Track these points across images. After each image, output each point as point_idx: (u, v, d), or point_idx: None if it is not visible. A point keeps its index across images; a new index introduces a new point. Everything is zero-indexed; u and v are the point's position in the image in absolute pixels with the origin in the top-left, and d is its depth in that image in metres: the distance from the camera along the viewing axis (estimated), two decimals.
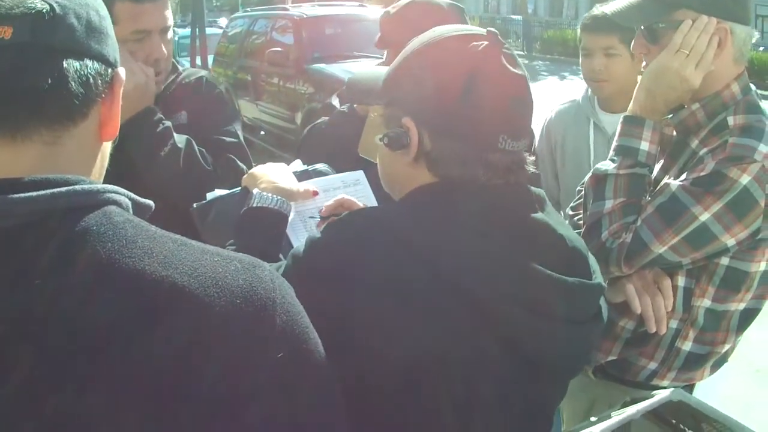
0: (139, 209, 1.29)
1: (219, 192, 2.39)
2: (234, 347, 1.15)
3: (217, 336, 1.14)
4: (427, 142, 1.64)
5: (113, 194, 1.23)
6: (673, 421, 1.75)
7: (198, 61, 15.38)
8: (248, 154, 3.05)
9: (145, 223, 1.23)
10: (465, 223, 1.56)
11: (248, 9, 22.49)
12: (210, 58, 15.98)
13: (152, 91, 2.75)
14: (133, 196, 1.29)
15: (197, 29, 15.38)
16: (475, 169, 1.61)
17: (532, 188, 1.71)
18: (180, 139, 2.78)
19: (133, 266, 1.13)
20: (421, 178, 1.67)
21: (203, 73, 3.25)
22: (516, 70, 1.65)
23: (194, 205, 2.37)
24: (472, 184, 1.63)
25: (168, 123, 2.78)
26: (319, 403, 1.28)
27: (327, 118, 3.27)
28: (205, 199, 2.39)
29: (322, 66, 11.89)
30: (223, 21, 26.18)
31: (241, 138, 3.08)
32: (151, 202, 1.33)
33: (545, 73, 28.34)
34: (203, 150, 2.86)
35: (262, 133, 13.90)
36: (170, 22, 2.87)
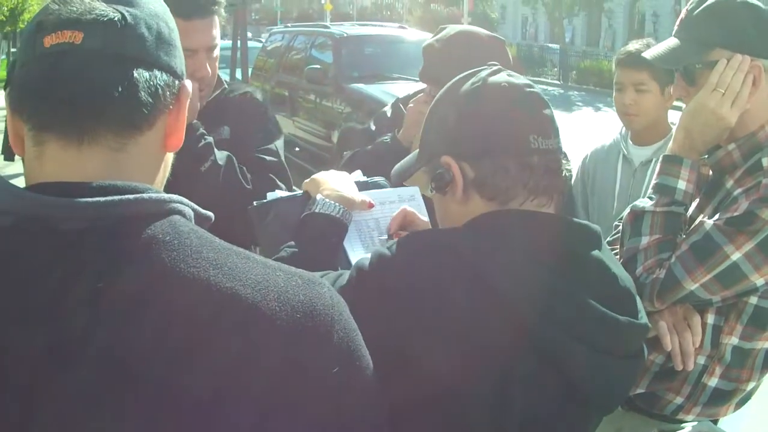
0: (200, 220, 1.30)
1: (280, 193, 2.40)
2: (292, 361, 1.16)
3: (276, 349, 1.16)
4: (469, 170, 1.71)
5: (179, 204, 1.25)
6: None
7: (238, 74, 15.35)
8: (288, 174, 3.03)
9: (210, 235, 1.24)
10: (525, 251, 1.61)
11: (288, 24, 22.51)
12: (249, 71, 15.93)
13: (195, 107, 2.72)
14: (195, 207, 1.30)
15: (239, 42, 15.37)
16: (519, 176, 1.67)
17: (591, 225, 1.76)
18: (221, 156, 2.79)
19: (198, 276, 1.14)
20: (478, 209, 1.72)
21: (249, 88, 3.27)
22: (523, 83, 1.75)
23: (254, 203, 2.37)
24: (534, 216, 1.69)
25: (210, 139, 2.78)
26: (366, 419, 1.29)
27: (369, 147, 3.30)
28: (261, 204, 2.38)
29: (360, 86, 11.85)
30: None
31: (282, 157, 3.07)
32: (211, 214, 1.34)
33: (580, 104, 28.16)
34: (243, 168, 2.86)
35: (297, 149, 13.85)
36: (217, 41, 2.88)
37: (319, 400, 1.19)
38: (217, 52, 2.90)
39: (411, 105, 3.06)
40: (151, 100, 1.25)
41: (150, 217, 1.19)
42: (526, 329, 1.56)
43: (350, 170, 2.54)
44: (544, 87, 34.73)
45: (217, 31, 2.88)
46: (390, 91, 10.40)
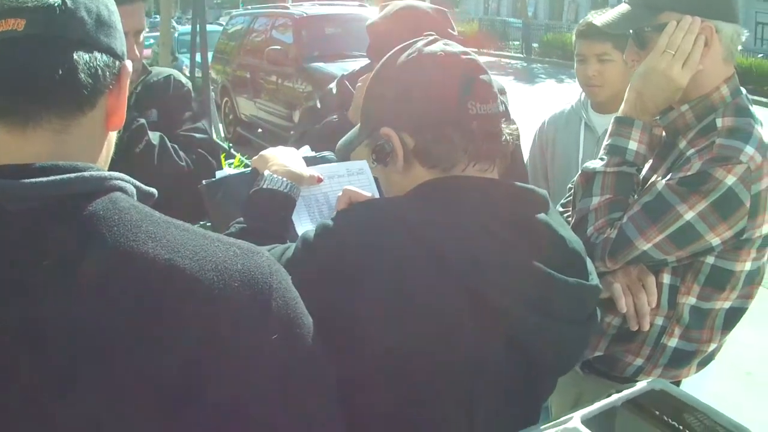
0: (142, 196, 1.34)
1: (228, 171, 2.43)
2: (231, 328, 1.19)
3: (215, 318, 1.18)
4: (409, 140, 1.72)
5: (119, 181, 1.28)
6: (657, 413, 1.78)
7: (198, 58, 15.36)
8: (218, 149, 3.18)
9: (149, 209, 1.28)
10: (469, 218, 1.61)
11: (249, 7, 22.45)
12: (210, 55, 15.96)
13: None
14: (137, 183, 1.34)
15: (198, 26, 15.33)
16: (460, 142, 1.68)
17: (537, 189, 1.76)
18: (153, 136, 2.89)
19: (137, 249, 1.17)
20: (420, 178, 1.72)
21: (172, 71, 3.36)
22: (459, 51, 1.75)
23: (203, 182, 2.41)
24: (476, 181, 1.70)
25: (142, 120, 2.88)
26: (311, 385, 1.32)
27: (318, 126, 3.32)
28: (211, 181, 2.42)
29: (321, 65, 11.94)
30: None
31: (211, 134, 3.22)
32: (153, 190, 1.38)
33: (543, 76, 28.29)
34: (175, 146, 2.97)
35: (260, 130, 13.90)
36: (143, 24, 2.98)
37: (261, 368, 1.22)
38: (142, 37, 3.00)
39: (359, 84, 3.05)
40: (91, 81, 1.28)
41: (91, 195, 1.22)
42: (472, 294, 1.57)
43: (299, 148, 2.55)
44: (507, 61, 34.84)
45: (143, 16, 2.99)
46: (351, 69, 10.26)
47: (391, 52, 1.82)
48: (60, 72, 1.24)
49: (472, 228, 1.60)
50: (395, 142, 1.73)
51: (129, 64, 1.39)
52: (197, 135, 3.12)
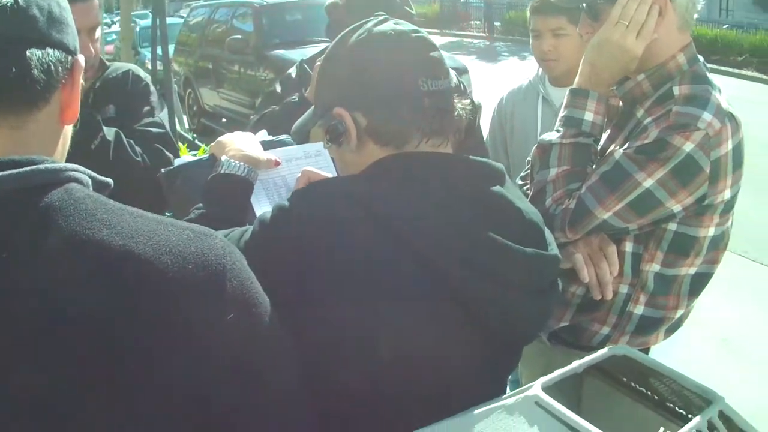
0: (98, 186, 1.36)
1: (186, 158, 2.45)
2: (186, 310, 1.22)
3: (170, 300, 1.21)
4: (362, 119, 1.73)
5: (74, 172, 1.30)
6: (624, 379, 1.80)
7: (159, 51, 15.34)
8: (174, 143, 3.24)
9: (104, 198, 1.30)
10: (422, 192, 1.62)
11: None
12: (171, 48, 15.94)
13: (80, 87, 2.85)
14: (92, 174, 1.36)
15: (158, 20, 15.28)
16: (412, 119, 1.69)
17: (493, 162, 1.77)
18: (109, 132, 2.91)
19: (93, 237, 1.20)
20: (374, 156, 1.73)
21: (130, 66, 3.39)
22: (409, 29, 1.77)
23: (162, 170, 2.43)
24: (430, 156, 1.71)
25: (97, 117, 2.91)
26: (271, 364, 1.35)
27: (277, 107, 3.34)
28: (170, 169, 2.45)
29: (282, 52, 11.95)
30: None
31: (167, 128, 3.23)
32: (110, 180, 1.41)
33: (506, 54, 28.29)
34: (131, 141, 2.99)
35: (224, 120, 13.89)
36: (98, 20, 3.02)
37: (218, 348, 1.25)
38: (98, 34, 3.03)
39: (318, 63, 3.05)
40: (44, 77, 1.30)
41: (47, 187, 1.23)
42: (427, 267, 1.58)
43: (257, 131, 2.56)
44: (470, 41, 34.80)
45: (97, 12, 3.03)
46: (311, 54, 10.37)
47: (342, 33, 1.83)
48: (14, 69, 1.25)
49: (427, 202, 1.61)
50: (348, 121, 1.74)
51: (81, 59, 1.41)
52: (154, 129, 3.14)
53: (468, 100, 1.80)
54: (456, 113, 1.75)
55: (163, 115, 3.32)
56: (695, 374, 1.64)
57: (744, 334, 6.04)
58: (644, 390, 1.77)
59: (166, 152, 3.06)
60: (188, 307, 1.22)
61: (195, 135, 11.20)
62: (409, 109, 1.69)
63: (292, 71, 3.68)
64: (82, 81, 2.82)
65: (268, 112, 3.36)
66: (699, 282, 2.39)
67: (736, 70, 19.83)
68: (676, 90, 2.22)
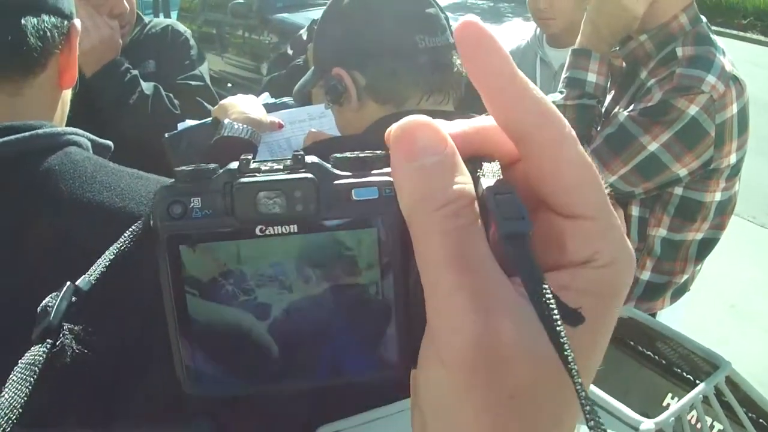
0: (98, 149, 1.37)
1: (190, 122, 2.44)
2: None
3: None
4: (360, 78, 1.74)
5: (73, 135, 1.31)
6: (631, 343, 1.80)
7: (161, 17, 15.27)
8: (215, 95, 3.23)
9: (103, 160, 1.31)
10: None
11: None
12: (174, 15, 15.82)
13: (118, 44, 2.86)
14: (92, 136, 1.37)
15: None
16: (410, 77, 1.70)
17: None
18: (147, 86, 2.91)
19: (93, 200, 1.21)
20: (375, 115, 1.74)
21: (169, 21, 3.39)
22: None
23: (165, 135, 2.45)
24: (431, 114, 1.69)
25: (135, 72, 2.90)
26: None
27: (284, 71, 3.35)
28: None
29: (285, 15, 11.85)
30: None
31: (208, 81, 3.26)
32: (109, 143, 1.41)
33: (510, 15, 27.87)
34: (170, 95, 3.00)
35: (230, 85, 13.79)
36: None
37: None
38: None
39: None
40: (40, 44, 1.31)
41: (46, 151, 1.25)
42: None
43: (269, 92, 2.56)
44: (473, 1, 34.51)
45: None
46: (315, 17, 10.32)
47: None
48: (9, 38, 1.26)
49: None
50: (347, 81, 1.74)
51: (78, 23, 1.41)
52: (193, 83, 3.16)
53: None
54: (455, 69, 1.75)
55: (203, 68, 3.31)
56: (702, 340, 1.65)
57: (752, 300, 6.04)
58: (651, 354, 1.77)
59: (206, 105, 3.06)
60: None
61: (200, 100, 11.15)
62: (407, 67, 1.69)
63: (303, 33, 3.65)
64: (120, 39, 2.85)
65: (276, 76, 3.37)
66: (705, 247, 2.40)
67: (740, 33, 19.76)
68: (679, 51, 2.21)
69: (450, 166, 0.47)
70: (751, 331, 5.56)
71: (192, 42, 3.34)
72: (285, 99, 2.57)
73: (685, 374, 1.71)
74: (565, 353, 0.40)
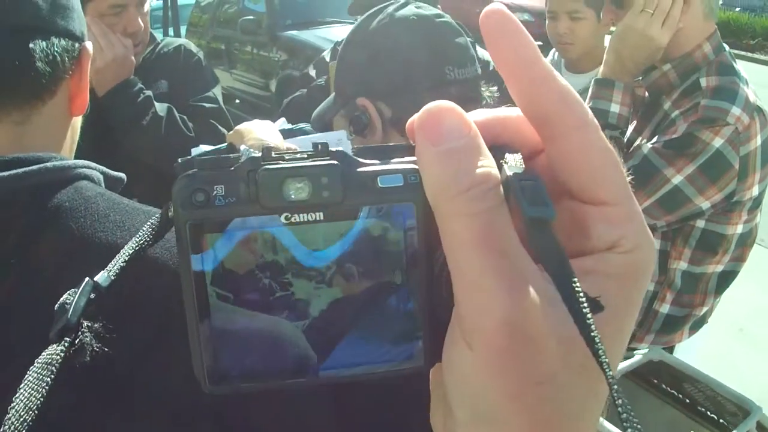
0: (110, 182, 1.30)
1: (204, 148, 2.41)
2: None
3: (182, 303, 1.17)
4: (386, 109, 1.69)
5: (84, 169, 1.23)
6: (655, 381, 1.77)
7: (171, 32, 15.35)
8: (228, 118, 3.17)
9: (117, 196, 1.23)
10: None
11: None
12: (183, 29, 15.90)
13: (131, 63, 2.81)
14: (104, 169, 1.29)
15: (169, 1, 15.30)
16: None
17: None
18: (161, 108, 2.87)
19: (106, 240, 1.13)
20: None
21: (181, 41, 3.34)
22: (433, 14, 1.70)
23: (179, 160, 2.36)
24: None
25: (148, 92, 2.85)
26: None
27: (305, 90, 3.28)
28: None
29: (294, 33, 11.89)
30: None
31: (221, 103, 3.20)
32: (122, 175, 1.33)
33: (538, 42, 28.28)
34: (184, 117, 2.95)
35: (237, 101, 13.89)
36: None
37: None
38: (147, 7, 2.96)
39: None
40: (49, 69, 1.24)
41: (55, 186, 1.17)
42: None
43: (289, 115, 2.52)
44: None
45: None
46: (324, 36, 10.53)
47: (361, 18, 1.77)
48: (16, 62, 1.19)
49: None
50: (372, 112, 1.69)
51: (89, 45, 1.34)
52: (207, 105, 3.11)
53: (495, 87, 1.76)
54: (484, 102, 1.70)
55: (216, 90, 3.26)
56: (717, 367, 1.62)
57: (760, 324, 6.00)
58: (675, 393, 1.74)
59: (220, 127, 3.03)
60: None
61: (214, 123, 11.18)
62: (435, 99, 1.64)
63: (327, 54, 3.63)
64: (133, 58, 2.82)
65: (296, 96, 3.31)
66: (725, 280, 2.37)
67: (748, 54, 19.77)
68: (703, 81, 2.18)
69: (475, 149, 0.47)
70: (759, 356, 5.54)
71: (205, 63, 3.32)
72: (302, 125, 2.53)
73: (709, 413, 1.68)
74: (592, 334, 0.40)
